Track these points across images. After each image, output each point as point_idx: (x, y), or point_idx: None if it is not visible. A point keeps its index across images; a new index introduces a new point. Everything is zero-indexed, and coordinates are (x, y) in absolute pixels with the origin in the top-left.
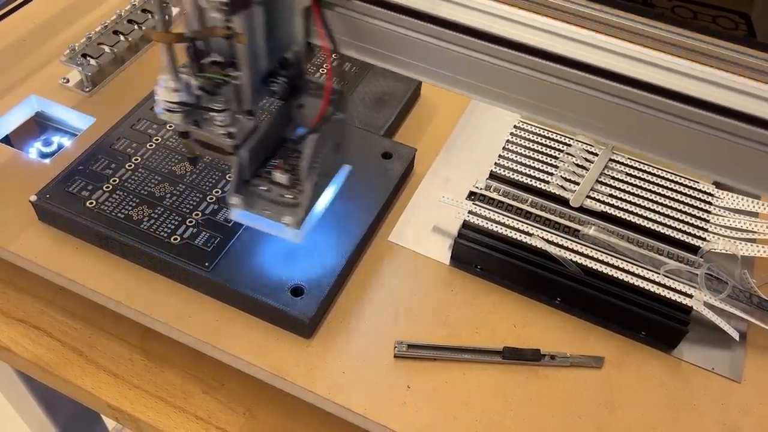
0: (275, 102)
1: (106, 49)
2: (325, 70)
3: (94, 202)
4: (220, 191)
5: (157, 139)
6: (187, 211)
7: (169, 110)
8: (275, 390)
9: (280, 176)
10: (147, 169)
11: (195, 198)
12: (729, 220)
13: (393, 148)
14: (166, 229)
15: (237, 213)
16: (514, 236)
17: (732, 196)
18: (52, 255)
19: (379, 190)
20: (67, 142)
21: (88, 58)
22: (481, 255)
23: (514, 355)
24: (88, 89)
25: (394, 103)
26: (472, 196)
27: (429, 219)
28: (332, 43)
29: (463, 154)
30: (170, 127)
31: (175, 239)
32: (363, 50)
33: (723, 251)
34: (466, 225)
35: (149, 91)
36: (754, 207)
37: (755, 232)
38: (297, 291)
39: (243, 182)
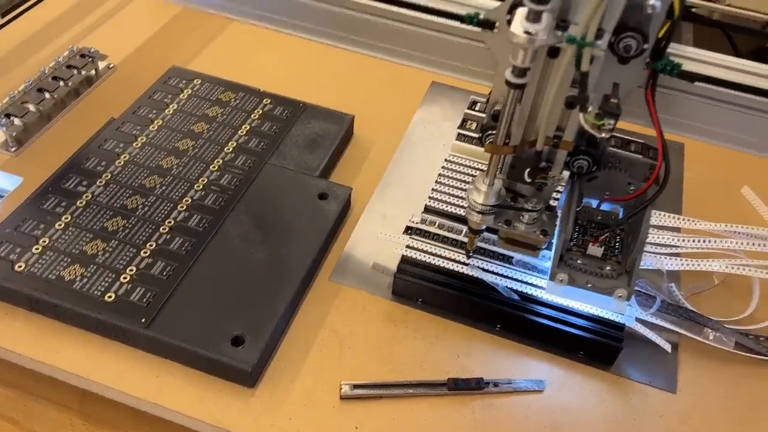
0: None
1: (31, 107)
2: (656, 152)
3: (24, 265)
4: (154, 244)
5: (87, 196)
6: (122, 266)
7: (483, 212)
8: None
9: (595, 249)
10: (78, 227)
11: (129, 253)
12: (653, 237)
13: (328, 188)
14: (100, 287)
15: (558, 288)
16: (452, 267)
17: (655, 213)
18: None
19: (316, 231)
20: None
21: (12, 118)
22: (420, 288)
23: (458, 386)
24: (13, 149)
25: (327, 143)
26: (408, 230)
27: (368, 256)
28: (658, 123)
29: (398, 190)
30: (100, 183)
31: (110, 297)
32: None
33: (650, 267)
34: (404, 260)
35: (78, 146)
36: (676, 222)
37: (678, 246)
38: (237, 340)
39: (559, 258)
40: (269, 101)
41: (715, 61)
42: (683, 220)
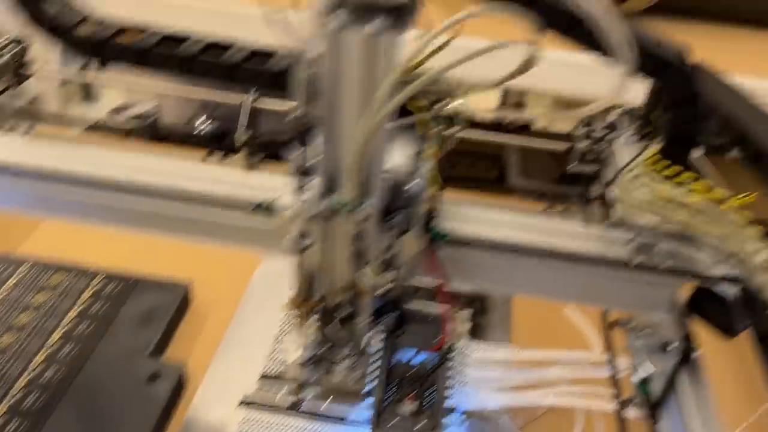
0: None
1: None
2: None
3: None
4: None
5: None
6: None
7: (303, 364)
8: None
9: (410, 406)
10: None
11: None
12: (482, 372)
13: (159, 368)
14: None
15: None
16: None
17: (482, 347)
18: None
19: (145, 418)
20: None
21: None
22: None
23: None
24: None
25: (160, 318)
26: (242, 403)
27: None
28: (445, 278)
29: (238, 357)
30: None
31: None
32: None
33: (476, 408)
34: None
35: None
36: (500, 355)
37: (505, 380)
38: None
39: (377, 417)
40: (101, 279)
41: (493, 220)
42: (508, 351)
